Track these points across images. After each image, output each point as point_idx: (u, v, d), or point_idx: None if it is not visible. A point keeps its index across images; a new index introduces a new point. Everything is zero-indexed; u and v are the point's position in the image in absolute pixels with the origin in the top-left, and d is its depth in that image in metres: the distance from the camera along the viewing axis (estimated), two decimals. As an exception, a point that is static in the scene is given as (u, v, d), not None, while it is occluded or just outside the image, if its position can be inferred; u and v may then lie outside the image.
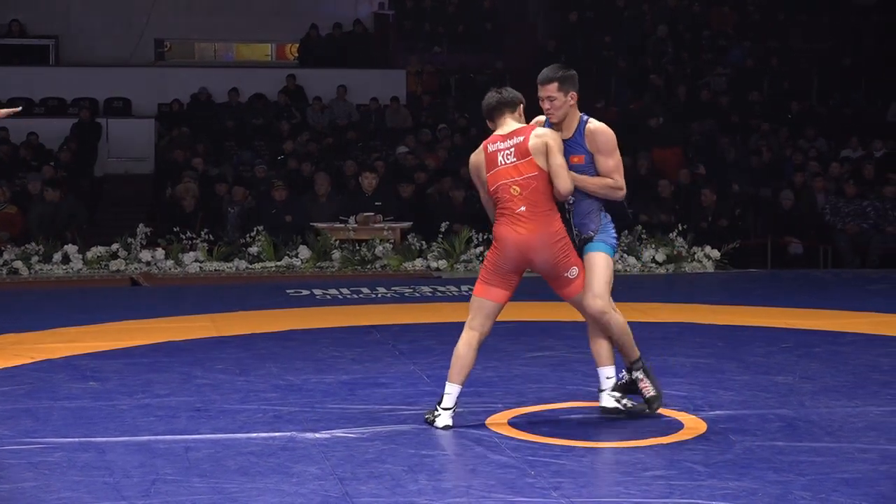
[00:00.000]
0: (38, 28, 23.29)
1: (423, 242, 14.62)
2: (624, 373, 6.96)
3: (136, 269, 14.07)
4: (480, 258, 14.42)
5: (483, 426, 6.43)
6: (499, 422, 6.51)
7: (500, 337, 9.33)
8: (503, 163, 6.46)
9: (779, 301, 11.40)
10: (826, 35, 24.13)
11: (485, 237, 14.62)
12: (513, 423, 6.49)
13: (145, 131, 20.68)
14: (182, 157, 18.40)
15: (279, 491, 5.26)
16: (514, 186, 6.40)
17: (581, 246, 6.60)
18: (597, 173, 6.58)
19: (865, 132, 20.35)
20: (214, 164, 18.55)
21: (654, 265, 13.64)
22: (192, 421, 6.60)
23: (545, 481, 5.38)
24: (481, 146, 6.63)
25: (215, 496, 5.19)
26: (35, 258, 14.00)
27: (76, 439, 6.18)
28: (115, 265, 14.11)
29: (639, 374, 6.70)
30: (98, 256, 14.20)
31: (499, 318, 10.08)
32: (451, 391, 6.50)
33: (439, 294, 12.11)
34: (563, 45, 23.44)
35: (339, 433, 6.27)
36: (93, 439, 6.17)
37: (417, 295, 12.04)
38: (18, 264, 13.84)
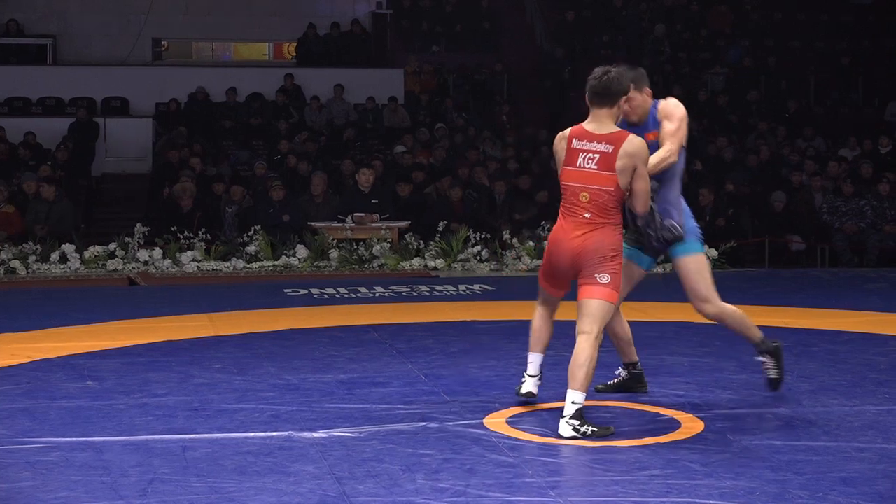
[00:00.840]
0: (36, 27, 23.31)
1: (421, 242, 14.62)
2: (620, 370, 7.17)
3: (133, 268, 14.07)
4: (478, 257, 14.44)
5: (481, 425, 6.43)
6: (497, 421, 6.51)
7: (497, 336, 9.36)
8: (581, 165, 6.31)
9: (776, 300, 11.41)
10: (823, 34, 24.14)
11: (482, 237, 14.64)
12: (511, 423, 6.48)
13: (143, 131, 20.70)
14: (179, 156, 18.39)
15: (276, 490, 5.26)
16: (584, 193, 6.29)
17: (666, 246, 6.73)
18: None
19: (863, 131, 20.38)
20: (212, 164, 18.55)
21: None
22: (190, 420, 6.60)
23: (543, 480, 5.38)
24: (568, 132, 6.45)
25: (213, 495, 5.19)
26: (32, 257, 13.99)
27: (74, 439, 6.18)
28: (112, 264, 14.11)
29: (764, 358, 6.99)
30: (96, 256, 14.20)
31: (497, 318, 10.12)
32: (533, 360, 6.76)
33: (437, 293, 12.10)
34: (561, 44, 23.46)
35: (336, 432, 6.27)
36: (90, 439, 6.17)
37: (415, 294, 12.03)
38: (16, 264, 13.82)
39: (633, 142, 6.28)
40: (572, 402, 6.16)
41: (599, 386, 7.25)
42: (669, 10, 24.30)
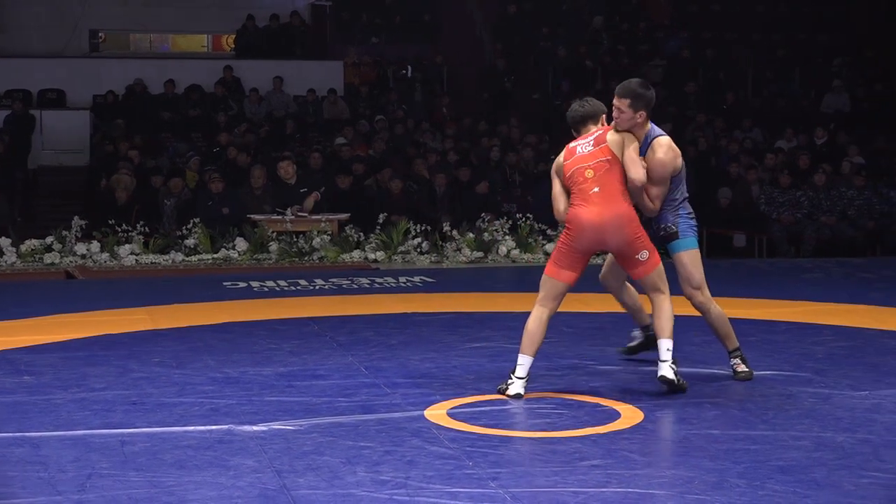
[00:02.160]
0: (-30, 19, 23.04)
1: (361, 234, 14.61)
2: (636, 332, 7.90)
3: (71, 262, 13.96)
4: (418, 249, 14.44)
5: (421, 417, 6.43)
6: (437, 413, 6.52)
7: (438, 328, 9.37)
8: (581, 152, 7.03)
9: (714, 291, 11.41)
10: (760, 26, 24.32)
11: (422, 229, 14.64)
12: (451, 414, 6.49)
13: (80, 123, 20.49)
14: (117, 148, 18.23)
15: (216, 484, 5.23)
16: (589, 170, 6.95)
17: (663, 243, 7.25)
18: None
19: (800, 123, 20.55)
20: (150, 156, 18.40)
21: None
22: (128, 415, 6.56)
23: (483, 472, 5.39)
24: (566, 148, 7.17)
25: (152, 490, 5.16)
26: (-33, 252, 13.86)
27: (10, 434, 6.12)
28: (49, 258, 13.98)
29: (736, 361, 7.45)
30: (32, 249, 14.07)
31: (437, 310, 10.12)
32: (524, 362, 6.95)
33: (377, 285, 12.10)
34: (501, 36, 23.50)
35: (276, 426, 6.25)
36: (27, 434, 6.11)
37: (355, 287, 12.02)
38: (-49, 258, 13.69)
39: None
40: (667, 349, 6.91)
41: (621, 348, 7.96)
42: (609, 2, 24.39)
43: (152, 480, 5.29)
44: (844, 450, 5.75)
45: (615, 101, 7.09)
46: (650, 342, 7.68)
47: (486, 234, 14.55)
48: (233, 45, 24.05)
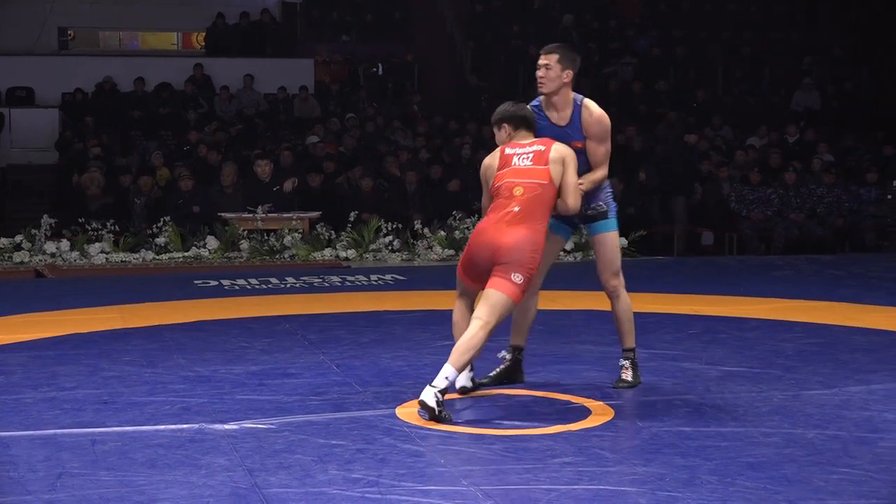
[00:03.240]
0: (-62, 15, 22.90)
1: (332, 232, 14.59)
2: (504, 352, 7.26)
3: (40, 260, 13.89)
4: (389, 247, 14.44)
5: (393, 415, 6.43)
6: (409, 411, 6.51)
7: (409, 326, 9.37)
8: (517, 164, 6.69)
9: (685, 288, 11.53)
10: (731, 24, 24.41)
11: (393, 227, 14.63)
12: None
13: (49, 121, 20.42)
14: (87, 146, 18.16)
15: (188, 483, 5.22)
16: (519, 187, 6.60)
17: (588, 221, 7.03)
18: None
19: (771, 121, 20.62)
20: (120, 154, 18.33)
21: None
22: (99, 414, 6.53)
23: (455, 469, 5.40)
24: (498, 149, 6.87)
25: (122, 489, 5.14)
26: (-64, 250, 13.78)
27: (-20, 434, 6.09)
28: (18, 257, 13.92)
29: (626, 363, 7.15)
30: (1, 248, 14.00)
31: (408, 308, 10.13)
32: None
33: (348, 283, 12.09)
34: (472, 34, 23.50)
35: (248, 424, 6.23)
36: (-3, 434, 6.09)
37: (326, 285, 12.01)
38: (-81, 257, 13.61)
39: (563, 146, 6.77)
40: (445, 378, 6.28)
41: (484, 380, 7.18)
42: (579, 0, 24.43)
43: (123, 480, 5.27)
44: (814, 446, 5.77)
45: (542, 59, 6.87)
46: (515, 370, 7.26)
47: (457, 231, 14.55)
48: (203, 43, 23.98)
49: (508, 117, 6.89)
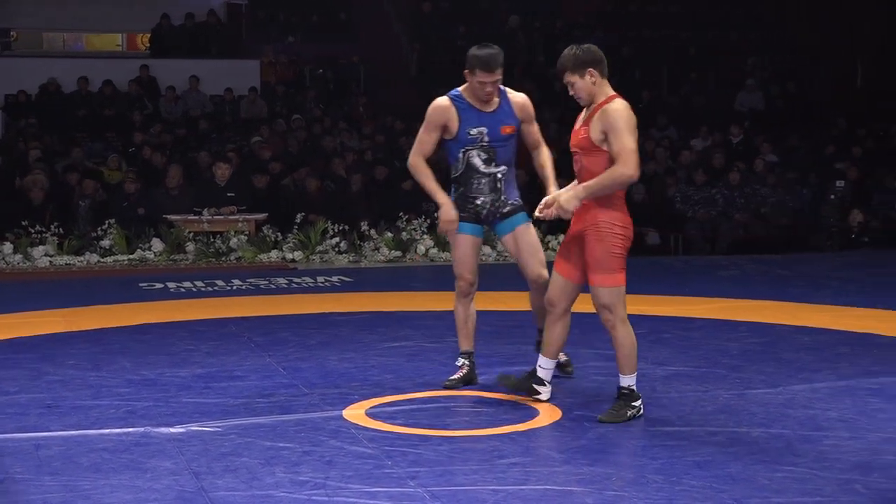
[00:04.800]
0: None
1: (279, 234, 14.55)
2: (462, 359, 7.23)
3: (-17, 264, 13.77)
4: (336, 249, 14.40)
5: (340, 417, 6.42)
6: (356, 412, 6.51)
7: (356, 328, 9.36)
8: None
9: (631, 288, 11.50)
10: (675, 25, 24.56)
11: (340, 228, 14.59)
12: (370, 414, 6.48)
13: (-8, 122, 20.23)
14: (30, 148, 17.99)
15: (133, 487, 5.18)
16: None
17: (503, 218, 7.07)
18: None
19: (715, 121, 20.75)
20: (64, 156, 18.18)
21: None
22: (43, 418, 6.48)
23: (402, 471, 5.39)
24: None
25: (67, 494, 5.10)
26: None
27: (-79, 439, 6.03)
28: (-39, 260, 13.79)
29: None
30: (-57, 251, 13.87)
31: (355, 309, 10.11)
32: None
33: (295, 285, 12.07)
34: (418, 35, 23.49)
35: (194, 427, 6.21)
36: (-61, 439, 6.03)
37: (273, 287, 11.98)
38: None
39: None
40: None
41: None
42: (525, 1, 24.47)
43: (67, 484, 5.23)
44: (759, 444, 5.82)
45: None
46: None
47: (404, 233, 14.55)
48: (148, 44, 23.85)
49: (599, 60, 6.71)
